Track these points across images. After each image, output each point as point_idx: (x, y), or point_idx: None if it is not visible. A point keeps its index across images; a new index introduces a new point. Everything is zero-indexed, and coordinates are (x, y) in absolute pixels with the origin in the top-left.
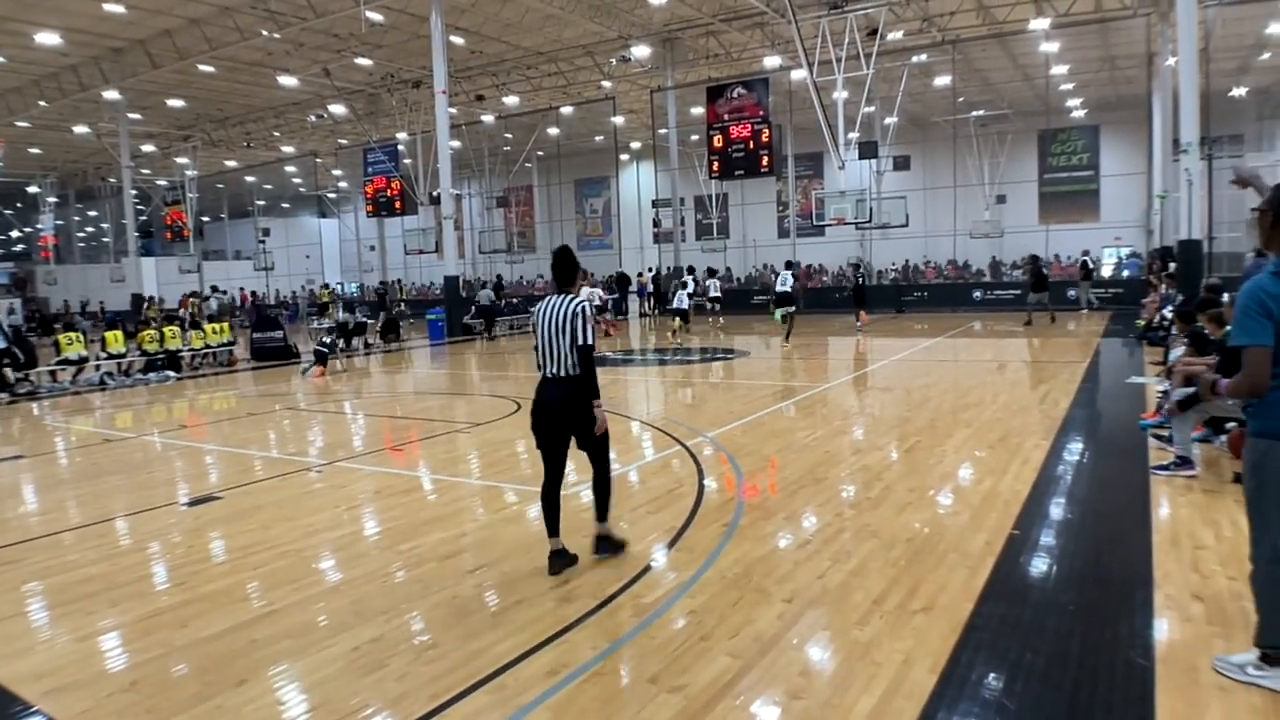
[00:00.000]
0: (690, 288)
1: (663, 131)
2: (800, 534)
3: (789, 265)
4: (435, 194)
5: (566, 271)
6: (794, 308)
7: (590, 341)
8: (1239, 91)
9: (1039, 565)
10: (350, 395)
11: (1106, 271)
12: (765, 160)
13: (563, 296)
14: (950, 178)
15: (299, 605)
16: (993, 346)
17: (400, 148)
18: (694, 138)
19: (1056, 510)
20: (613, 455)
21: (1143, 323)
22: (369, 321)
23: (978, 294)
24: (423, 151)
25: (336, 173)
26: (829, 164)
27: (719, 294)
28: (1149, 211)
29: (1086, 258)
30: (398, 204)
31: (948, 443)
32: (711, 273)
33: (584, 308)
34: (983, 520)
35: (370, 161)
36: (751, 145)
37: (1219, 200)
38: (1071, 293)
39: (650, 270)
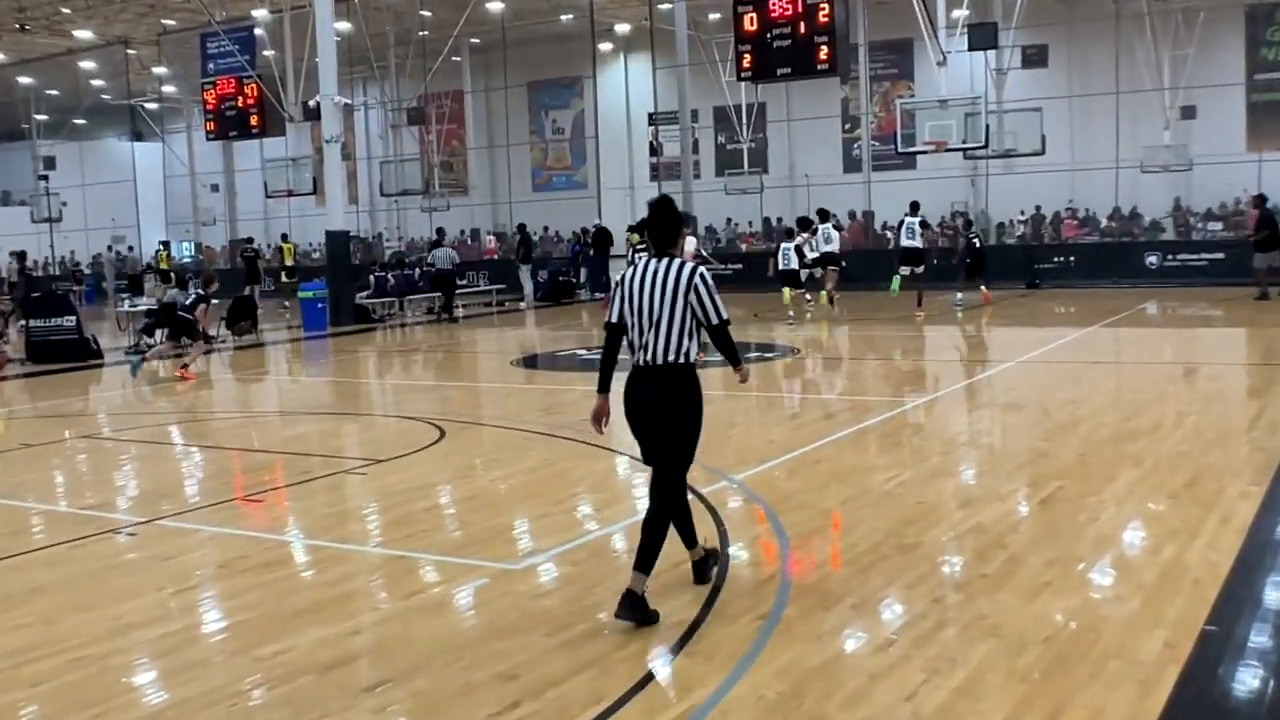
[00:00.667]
0: (797, 240)
1: (665, 7)
2: (878, 631)
3: (915, 208)
4: (313, 104)
5: (669, 228)
6: (922, 267)
7: (725, 317)
8: None
9: (1247, 679)
10: (182, 416)
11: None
12: (824, 52)
13: (664, 261)
14: (1110, 80)
15: None
16: (1176, 340)
17: (259, 33)
18: (714, 17)
19: (1274, 593)
20: (592, 510)
21: None
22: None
23: (1153, 258)
24: (294, 39)
25: (160, 71)
26: (923, 59)
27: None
28: None
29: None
30: (254, 120)
31: (1106, 490)
32: (824, 216)
33: (703, 276)
34: (1161, 610)
35: (212, 55)
36: (803, 28)
37: None
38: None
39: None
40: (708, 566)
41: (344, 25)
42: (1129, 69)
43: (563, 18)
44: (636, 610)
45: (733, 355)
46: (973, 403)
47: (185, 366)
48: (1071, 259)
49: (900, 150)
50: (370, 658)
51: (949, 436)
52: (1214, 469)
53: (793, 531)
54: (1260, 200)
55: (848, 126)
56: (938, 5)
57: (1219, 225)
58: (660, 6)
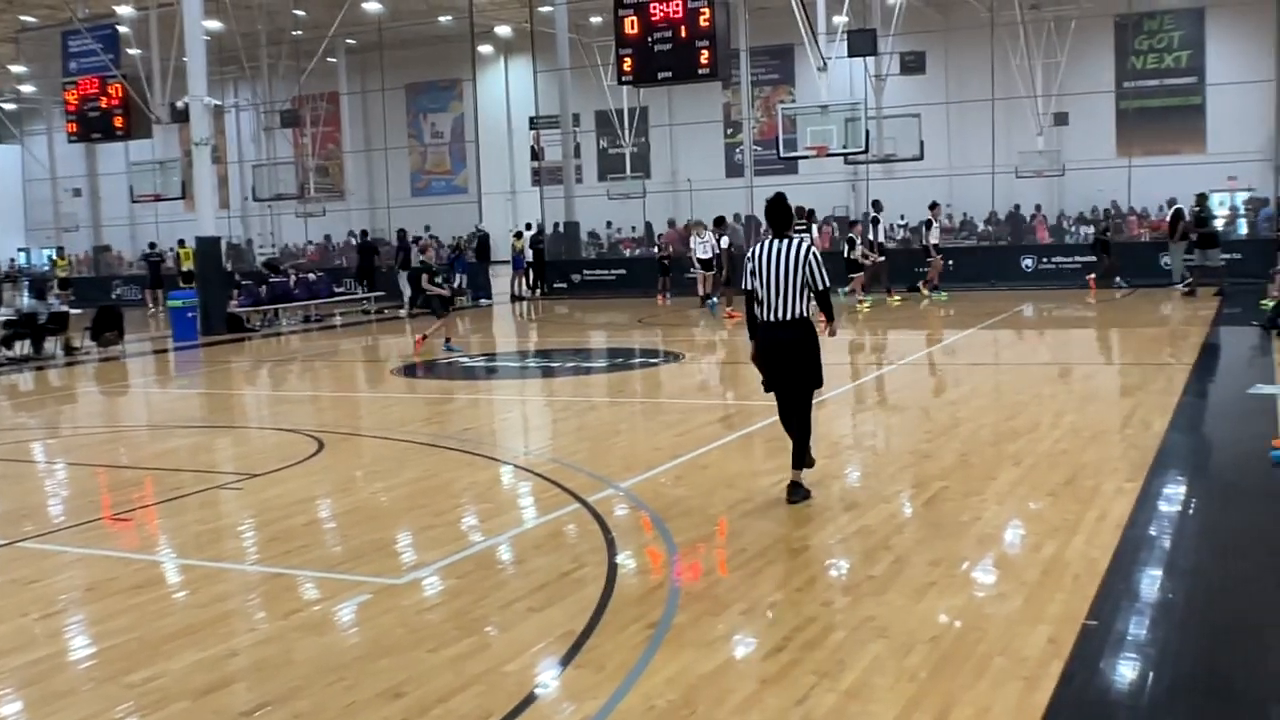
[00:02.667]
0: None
1: (546, 10)
2: (767, 636)
3: (877, 208)
4: (181, 105)
5: (784, 217)
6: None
7: (829, 284)
8: None
9: (1128, 672)
10: (44, 431)
11: (1217, 227)
12: (706, 57)
13: (786, 240)
14: (986, 87)
15: None
16: (1052, 341)
17: (124, 31)
18: (595, 20)
19: (1151, 587)
20: (477, 521)
21: (1271, 303)
22: (72, 313)
23: (1029, 261)
24: (161, 38)
25: (18, 70)
26: (803, 64)
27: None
28: (1278, 138)
29: (1178, 206)
30: (119, 121)
31: (988, 489)
32: (878, 207)
33: (815, 251)
34: (1043, 606)
35: (74, 53)
36: (685, 33)
37: None
38: (1165, 259)
39: (529, 229)
40: (798, 493)
41: (214, 24)
42: (1004, 76)
43: (441, 19)
44: (800, 491)
45: (829, 312)
46: (857, 405)
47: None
48: (950, 262)
49: (782, 155)
50: (248, 681)
51: (834, 439)
52: (1091, 467)
53: (680, 538)
54: (1201, 199)
55: (730, 131)
56: (818, 12)
57: (1091, 229)
58: (541, 9)
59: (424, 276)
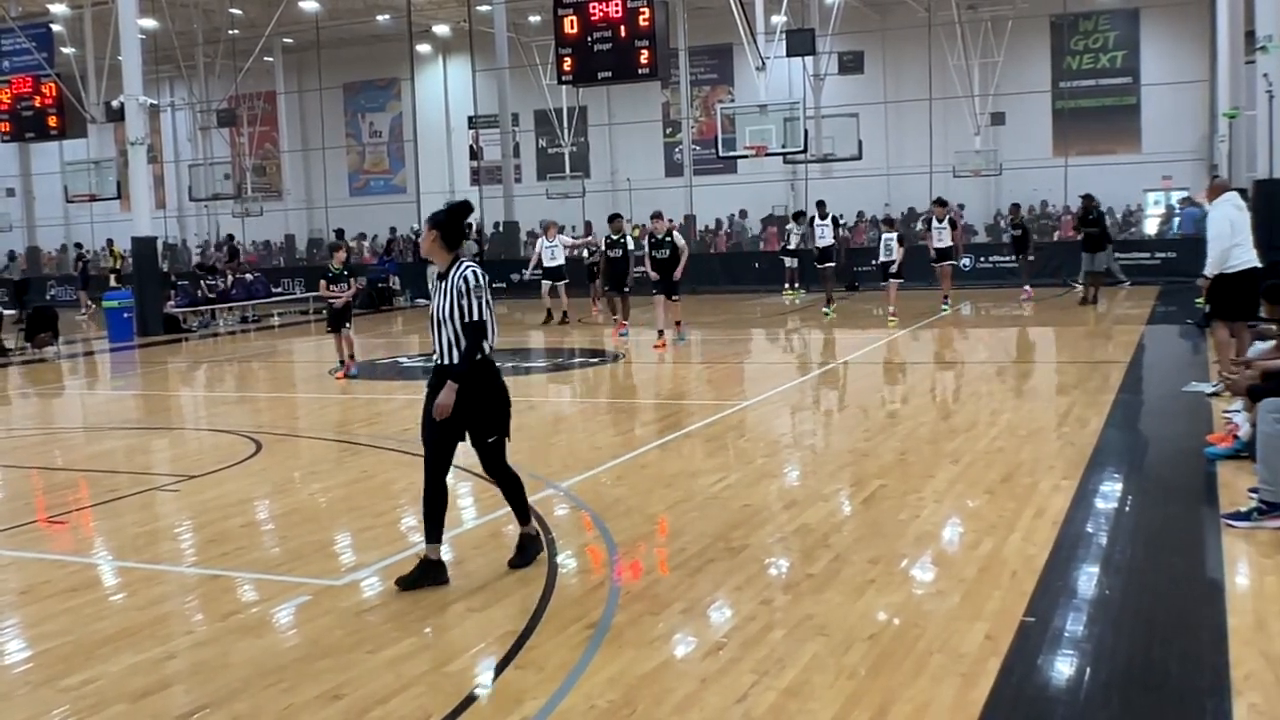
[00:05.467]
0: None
1: (484, 9)
2: (707, 635)
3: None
4: (116, 104)
5: (456, 231)
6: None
7: (475, 317)
8: None
9: (1064, 668)
10: None
11: (1151, 228)
12: (645, 56)
13: (454, 265)
14: (923, 87)
15: None
16: (989, 340)
17: (57, 29)
18: (534, 20)
19: (1087, 584)
20: (416, 522)
21: (1204, 302)
22: (4, 314)
23: (966, 261)
24: (95, 36)
25: None
26: (743, 64)
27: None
28: (1211, 138)
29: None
30: (53, 120)
31: (926, 488)
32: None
33: (470, 276)
34: (981, 603)
35: (6, 52)
36: (624, 33)
37: None
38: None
39: (470, 230)
40: (527, 550)
41: (149, 22)
42: (941, 76)
43: (379, 18)
44: (529, 550)
45: (461, 358)
46: (796, 404)
47: None
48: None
49: (721, 154)
50: (186, 683)
51: (773, 438)
52: (1027, 464)
53: (620, 537)
54: (1088, 199)
55: (669, 131)
56: (756, 11)
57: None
58: (479, 8)
59: (322, 282)
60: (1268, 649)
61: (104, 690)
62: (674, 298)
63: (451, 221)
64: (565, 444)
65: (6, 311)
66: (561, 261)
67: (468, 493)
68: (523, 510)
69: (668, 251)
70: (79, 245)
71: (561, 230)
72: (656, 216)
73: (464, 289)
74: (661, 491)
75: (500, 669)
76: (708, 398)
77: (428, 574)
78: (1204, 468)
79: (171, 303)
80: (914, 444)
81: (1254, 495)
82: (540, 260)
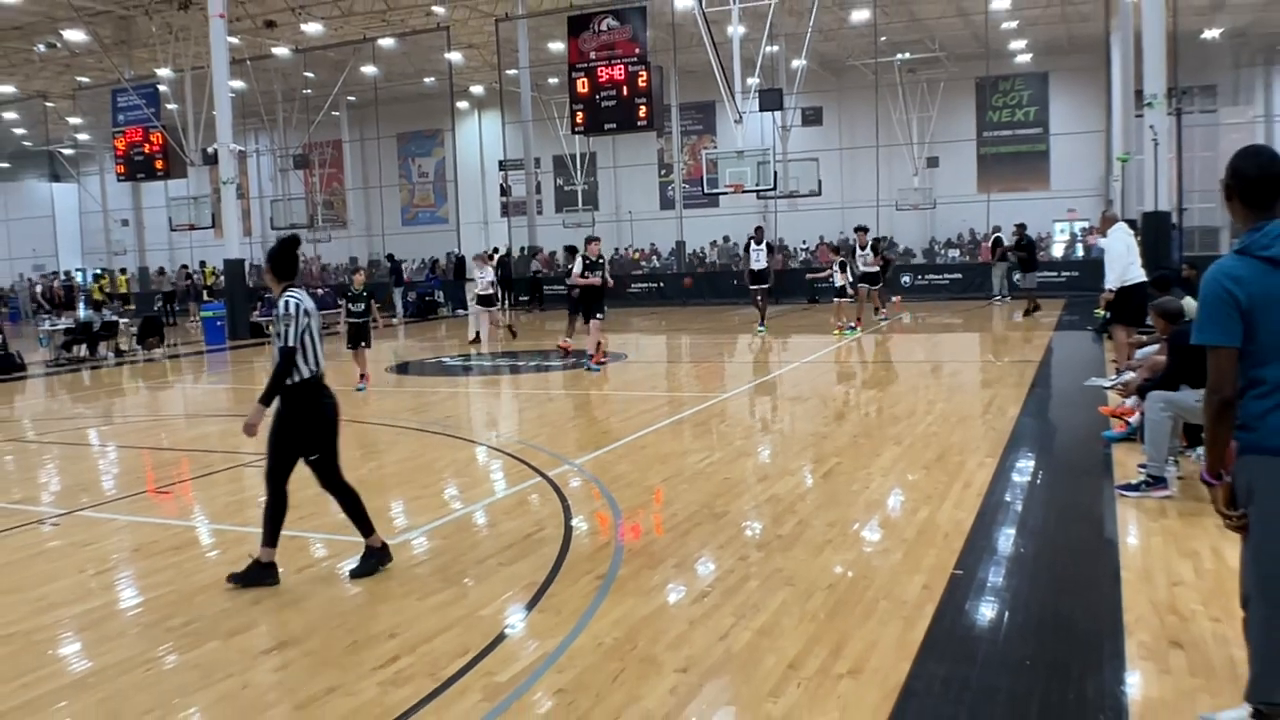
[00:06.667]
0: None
1: (512, 73)
2: (695, 585)
3: (755, 235)
4: (211, 151)
5: (288, 264)
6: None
7: (291, 343)
8: (1212, 34)
9: (988, 613)
10: (98, 420)
11: (1058, 250)
12: (643, 111)
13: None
14: (871, 135)
15: (27, 709)
16: (925, 343)
17: (163, 89)
18: (552, 81)
19: (1006, 543)
20: (456, 492)
21: (1102, 312)
22: (121, 321)
23: (906, 279)
24: (194, 95)
25: (75, 121)
26: (723, 117)
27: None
28: (1107, 177)
29: (999, 234)
30: (159, 164)
31: (874, 464)
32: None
33: (284, 302)
34: (919, 559)
35: (121, 107)
36: (626, 92)
37: (1190, 164)
38: (1017, 276)
39: (497, 251)
40: (370, 559)
41: (238, 83)
42: (886, 127)
43: (426, 80)
44: (370, 559)
45: (270, 386)
46: (767, 396)
47: None
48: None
49: (706, 191)
50: (268, 624)
51: (748, 424)
52: (957, 445)
53: (624, 505)
54: (1020, 228)
55: (663, 172)
56: (735, 74)
57: (956, 252)
58: (508, 72)
59: (344, 302)
60: (1154, 597)
61: (201, 630)
62: (599, 316)
63: (280, 255)
64: (579, 428)
65: (122, 320)
66: (491, 292)
67: (499, 469)
68: (363, 523)
69: (599, 275)
70: (184, 266)
71: (491, 259)
72: (593, 240)
73: (278, 315)
74: (658, 467)
75: (526, 611)
76: (696, 390)
77: (258, 575)
78: (1101, 449)
79: (257, 312)
80: (864, 428)
81: (1142, 470)
82: (477, 288)
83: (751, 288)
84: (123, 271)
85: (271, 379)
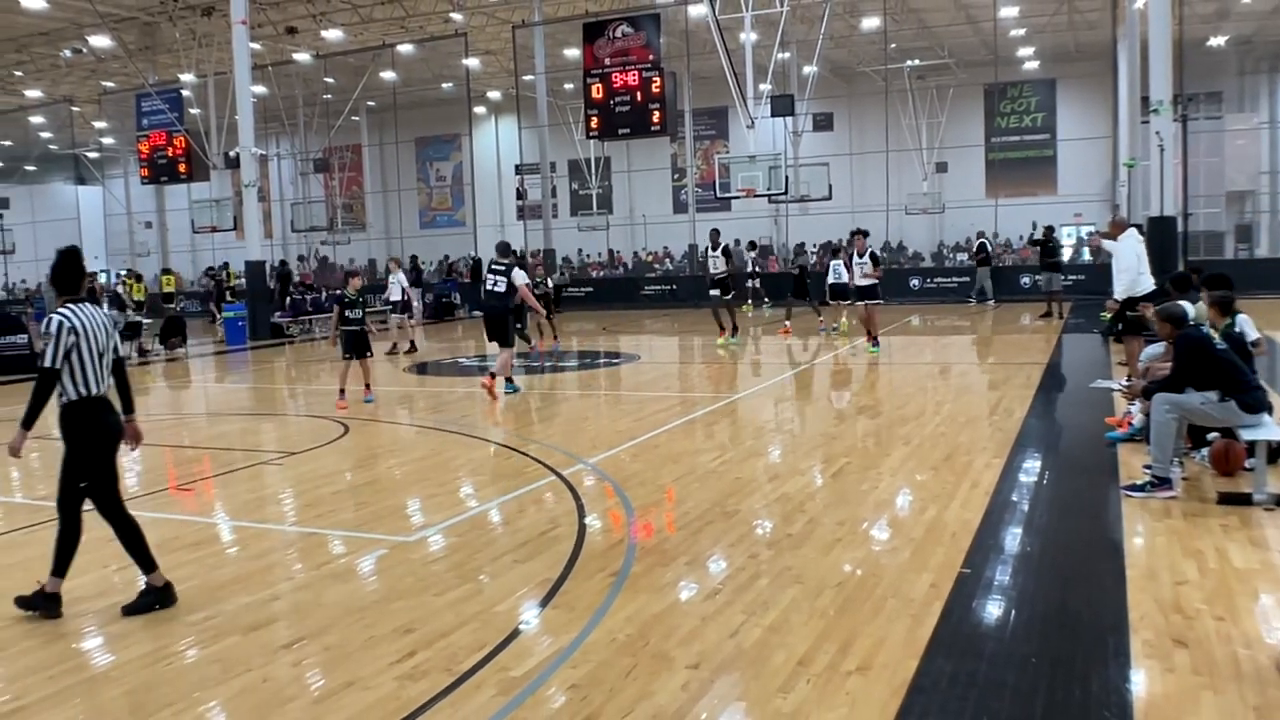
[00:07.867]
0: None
1: (528, 78)
2: (706, 582)
3: (711, 239)
4: (233, 154)
5: (73, 277)
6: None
7: (49, 363)
8: (1217, 41)
9: (994, 610)
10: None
11: (1066, 254)
12: (657, 116)
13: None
14: (881, 141)
15: (51, 700)
16: (934, 346)
17: (186, 94)
18: (568, 87)
19: (1013, 542)
20: (472, 490)
21: (1109, 315)
22: (144, 322)
23: (915, 282)
24: (216, 99)
25: (100, 126)
26: (735, 122)
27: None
28: (1114, 183)
29: (983, 239)
30: (182, 167)
31: (883, 464)
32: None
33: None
34: (927, 558)
35: (145, 112)
36: (640, 97)
37: (1195, 170)
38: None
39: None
40: (145, 597)
41: (259, 89)
42: (895, 132)
43: (444, 85)
44: (147, 598)
45: (125, 400)
46: (778, 398)
47: None
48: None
49: (718, 195)
50: (287, 619)
51: (759, 424)
52: (965, 446)
53: (637, 503)
54: (1050, 231)
55: (676, 176)
56: (747, 80)
57: (964, 256)
58: (525, 77)
59: (337, 308)
60: (1158, 595)
61: (221, 625)
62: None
63: (60, 267)
64: (593, 428)
65: (147, 320)
66: (400, 298)
67: (513, 467)
68: (144, 559)
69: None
70: (210, 268)
71: (401, 267)
72: (534, 255)
73: (44, 332)
74: (670, 466)
75: (540, 608)
76: (709, 391)
77: (42, 603)
78: (1107, 449)
79: (278, 313)
80: (873, 429)
81: (1147, 471)
82: (390, 295)
83: (711, 293)
84: (166, 272)
85: (30, 400)
